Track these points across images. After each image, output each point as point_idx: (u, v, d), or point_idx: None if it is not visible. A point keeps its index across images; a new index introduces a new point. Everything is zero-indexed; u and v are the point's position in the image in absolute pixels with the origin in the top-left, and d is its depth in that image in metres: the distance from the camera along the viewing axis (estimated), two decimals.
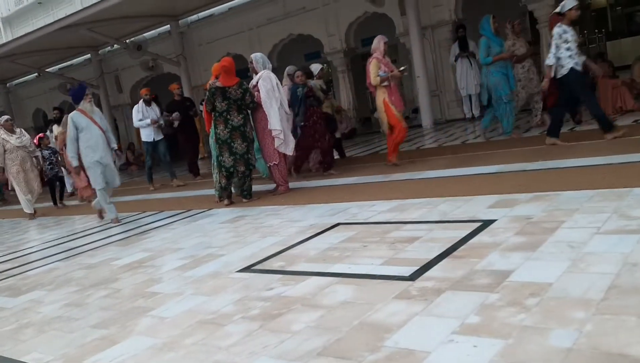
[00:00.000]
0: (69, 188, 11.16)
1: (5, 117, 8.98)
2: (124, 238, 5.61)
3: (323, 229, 4.30)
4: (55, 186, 9.78)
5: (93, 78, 16.09)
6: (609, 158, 4.87)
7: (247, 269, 3.60)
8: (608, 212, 3.28)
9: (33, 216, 8.84)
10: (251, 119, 6.40)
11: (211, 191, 7.65)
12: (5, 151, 8.55)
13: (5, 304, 3.88)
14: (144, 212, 7.15)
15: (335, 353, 2.15)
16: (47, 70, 16.48)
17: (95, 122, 6.32)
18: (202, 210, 6.37)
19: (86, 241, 5.83)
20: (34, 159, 8.91)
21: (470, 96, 10.92)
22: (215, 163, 6.57)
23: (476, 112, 10.92)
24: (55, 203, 9.78)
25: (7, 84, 18.97)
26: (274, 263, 3.63)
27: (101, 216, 6.96)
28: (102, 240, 5.76)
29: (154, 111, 9.14)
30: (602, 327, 1.96)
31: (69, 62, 16.90)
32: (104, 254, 4.97)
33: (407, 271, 2.94)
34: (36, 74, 16.90)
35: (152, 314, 3.06)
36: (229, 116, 6.11)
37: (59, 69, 17.11)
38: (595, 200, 3.62)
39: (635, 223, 3.01)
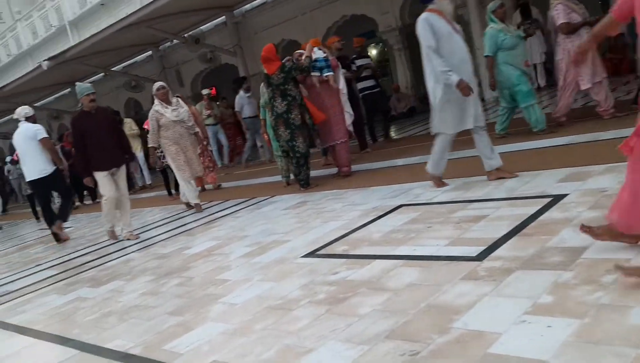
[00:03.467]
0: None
1: (159, 84, 6.87)
2: (193, 228, 5.81)
3: (386, 211, 4.27)
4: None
5: (155, 74, 16.62)
6: None
7: (312, 254, 3.64)
8: None
9: (200, 207, 6.97)
10: (300, 102, 6.24)
11: (271, 179, 7.79)
12: (159, 127, 6.70)
13: (88, 294, 4.12)
14: (210, 202, 7.37)
15: (403, 336, 2.14)
16: (112, 69, 17.18)
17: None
18: (265, 197, 6.48)
19: (158, 232, 6.08)
20: (193, 136, 6.99)
21: (535, 65, 10.45)
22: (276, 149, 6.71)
23: (542, 82, 10.47)
24: (170, 193, 9.05)
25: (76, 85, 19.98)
26: (338, 247, 3.65)
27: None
28: (172, 230, 5.99)
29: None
30: None
31: (132, 60, 17.53)
32: (175, 244, 5.18)
33: (474, 251, 2.88)
34: (103, 74, 17.65)
35: (223, 301, 3.17)
36: (274, 103, 6.16)
37: (123, 67, 17.78)
38: None
39: None
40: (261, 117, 7.36)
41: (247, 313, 2.85)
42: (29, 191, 10.86)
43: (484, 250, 2.85)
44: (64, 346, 3.10)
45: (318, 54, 6.45)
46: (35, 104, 19.51)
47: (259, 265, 3.70)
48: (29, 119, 7.04)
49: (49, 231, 7.57)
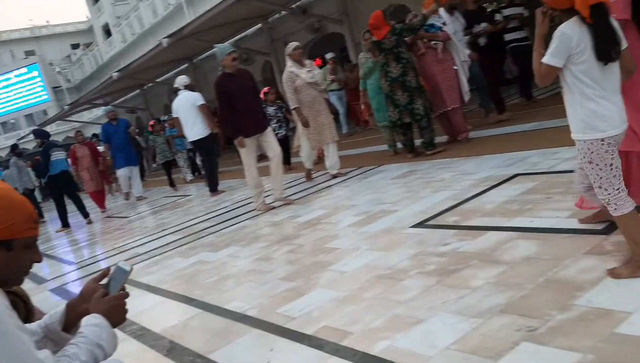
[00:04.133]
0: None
1: (295, 44, 6.48)
2: (302, 197, 5.96)
3: (499, 181, 4.09)
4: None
5: (264, 46, 17.04)
6: None
7: (421, 224, 3.59)
8: None
9: (310, 174, 6.96)
10: (413, 65, 6.14)
11: (377, 148, 7.74)
12: (295, 88, 6.27)
13: (208, 258, 4.41)
14: (318, 172, 7.50)
15: (519, 311, 2.06)
16: (225, 44, 17.84)
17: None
18: (372, 167, 6.47)
19: (269, 200, 6.32)
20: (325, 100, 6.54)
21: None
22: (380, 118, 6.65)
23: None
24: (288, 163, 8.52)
25: (193, 60, 21.00)
26: (448, 218, 3.56)
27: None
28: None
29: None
30: None
31: (242, 34, 18.09)
32: (285, 212, 5.35)
33: (599, 224, 2.67)
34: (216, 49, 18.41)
35: (333, 268, 3.23)
36: (388, 68, 6.06)
37: (235, 41, 18.42)
38: None
39: None
40: (361, 88, 7.30)
41: (356, 282, 2.89)
42: (165, 160, 11.34)
43: (612, 223, 2.64)
44: (188, 305, 3.36)
45: (442, 16, 6.25)
46: (157, 80, 20.90)
47: (367, 235, 3.72)
48: (187, 87, 8.02)
49: (175, 197, 8.15)
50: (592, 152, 2.14)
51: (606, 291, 2.02)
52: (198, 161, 11.51)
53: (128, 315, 1.49)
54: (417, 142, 6.37)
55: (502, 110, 7.14)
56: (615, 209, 2.14)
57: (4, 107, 41.22)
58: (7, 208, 1.33)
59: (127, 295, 1.51)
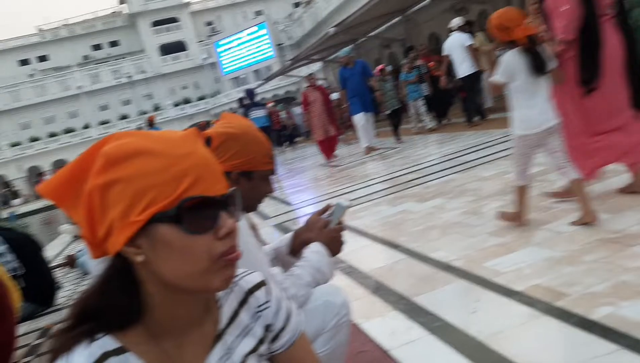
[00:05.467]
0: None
1: None
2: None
3: None
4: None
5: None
6: None
7: None
8: None
9: None
10: None
11: None
12: None
13: (413, 208, 4.48)
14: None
15: None
16: None
17: None
18: None
19: (479, 155, 6.11)
20: None
21: None
22: None
23: None
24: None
25: (406, 13, 20.91)
26: None
27: None
28: (493, 154, 5.92)
29: None
30: None
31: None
32: (497, 168, 5.12)
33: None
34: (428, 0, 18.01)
35: (548, 227, 3.03)
36: None
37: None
38: None
39: None
40: None
41: (575, 243, 2.67)
42: (392, 108, 9.95)
43: None
44: (394, 250, 3.48)
45: None
46: (370, 34, 21.35)
47: (594, 194, 3.38)
48: (460, 28, 8.83)
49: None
50: (517, 143, 3.07)
51: None
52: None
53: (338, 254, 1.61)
54: None
55: None
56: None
57: (238, 64, 46.48)
58: (250, 143, 1.52)
59: (343, 229, 1.63)
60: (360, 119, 9.36)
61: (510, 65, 2.92)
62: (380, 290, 2.82)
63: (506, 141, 6.50)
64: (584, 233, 2.77)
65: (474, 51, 8.63)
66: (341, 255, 1.72)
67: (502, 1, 15.48)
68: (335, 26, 17.63)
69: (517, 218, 3.19)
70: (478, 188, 4.55)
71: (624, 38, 3.12)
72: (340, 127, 11.81)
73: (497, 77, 3.00)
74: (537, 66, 2.88)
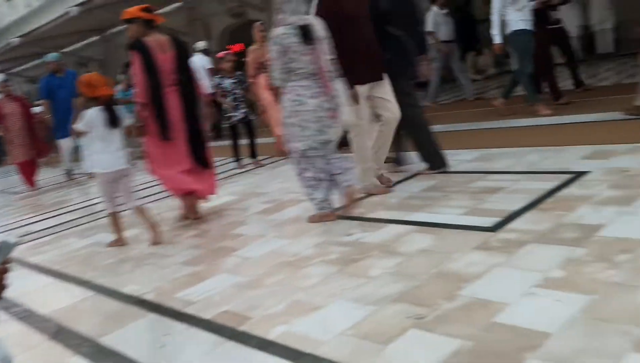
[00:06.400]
0: None
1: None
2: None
3: (403, 178, 4.26)
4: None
5: (182, 25, 16.51)
6: None
7: None
8: None
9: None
10: None
11: None
12: None
13: (106, 240, 4.21)
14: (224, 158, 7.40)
15: (411, 300, 2.17)
16: None
17: None
18: (285, 156, 6.47)
19: None
20: None
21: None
22: None
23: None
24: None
25: (105, 33, 19.95)
26: (354, 210, 3.66)
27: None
28: None
29: None
30: None
31: (161, 11, 17.42)
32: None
33: (489, 222, 2.87)
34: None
35: (237, 254, 3.22)
36: None
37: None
38: None
39: None
40: None
41: (260, 267, 2.90)
42: None
43: (499, 221, 2.84)
44: (80, 287, 3.21)
45: None
46: (64, 50, 19.60)
47: (274, 222, 3.74)
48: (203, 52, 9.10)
49: None
50: (98, 180, 3.86)
51: (488, 284, 2.18)
52: None
53: (12, 296, 1.40)
54: None
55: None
56: None
57: None
58: None
59: (8, 270, 1.42)
60: (67, 143, 8.19)
61: (91, 118, 3.62)
62: (61, 333, 2.55)
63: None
64: (268, 258, 3.03)
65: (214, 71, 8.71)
66: (16, 298, 1.49)
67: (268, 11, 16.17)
68: (20, 36, 15.66)
69: (120, 241, 3.95)
70: (173, 216, 4.57)
71: (185, 104, 4.13)
72: (46, 147, 9.41)
73: (80, 126, 3.65)
74: (112, 121, 3.66)
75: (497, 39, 5.85)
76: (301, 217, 3.70)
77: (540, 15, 6.02)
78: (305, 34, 3.33)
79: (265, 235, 3.48)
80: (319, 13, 3.66)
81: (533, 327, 1.79)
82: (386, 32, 4.06)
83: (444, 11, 8.15)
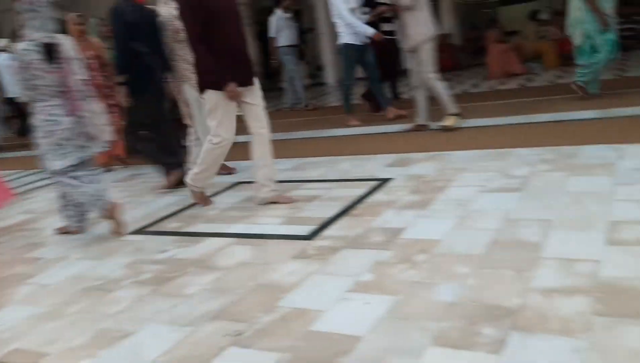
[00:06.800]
0: None
1: None
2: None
3: (223, 188, 4.19)
4: None
5: None
6: (495, 119, 5.15)
7: (140, 231, 3.43)
8: (493, 171, 3.47)
9: None
10: None
11: None
12: None
13: None
14: (27, 170, 6.60)
15: (230, 316, 2.11)
16: None
17: None
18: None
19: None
20: None
21: None
22: None
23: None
24: None
25: None
26: (170, 224, 3.50)
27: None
28: None
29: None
30: (483, 280, 2.08)
31: None
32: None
33: (305, 230, 2.94)
34: None
35: (33, 281, 2.85)
36: None
37: None
38: (482, 160, 3.81)
39: (516, 181, 3.21)
40: None
41: (60, 295, 2.59)
42: None
43: (315, 229, 2.93)
44: None
45: None
46: None
47: (78, 242, 3.39)
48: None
49: None
50: None
51: (305, 292, 2.22)
52: None
53: None
54: None
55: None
56: None
57: None
58: None
59: None
60: None
61: None
62: None
63: None
64: (69, 284, 2.73)
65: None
66: None
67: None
68: None
69: None
70: None
71: None
72: None
73: None
74: None
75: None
76: (109, 236, 3.41)
77: (373, 27, 5.92)
78: (49, 52, 3.15)
79: (67, 257, 3.13)
80: (181, 3, 3.33)
81: (346, 332, 1.86)
82: (131, 48, 4.01)
83: (288, 15, 7.91)
